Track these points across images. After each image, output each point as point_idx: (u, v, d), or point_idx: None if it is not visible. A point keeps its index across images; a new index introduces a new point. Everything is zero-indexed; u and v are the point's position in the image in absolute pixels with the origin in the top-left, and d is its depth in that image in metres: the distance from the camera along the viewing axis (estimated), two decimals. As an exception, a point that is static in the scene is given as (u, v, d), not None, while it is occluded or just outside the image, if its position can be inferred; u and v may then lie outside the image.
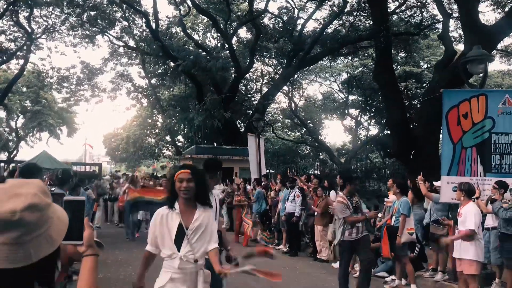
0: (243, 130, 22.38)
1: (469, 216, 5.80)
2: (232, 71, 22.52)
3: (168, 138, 33.12)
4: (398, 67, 22.56)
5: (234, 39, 23.64)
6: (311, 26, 44.54)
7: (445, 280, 7.49)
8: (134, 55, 26.34)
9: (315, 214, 9.97)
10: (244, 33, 25.59)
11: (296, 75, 26.06)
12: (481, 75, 8.32)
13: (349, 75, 26.56)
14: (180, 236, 3.08)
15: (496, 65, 34.66)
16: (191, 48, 22.00)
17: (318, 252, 9.94)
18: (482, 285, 6.86)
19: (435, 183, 7.85)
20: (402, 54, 23.74)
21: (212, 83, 21.56)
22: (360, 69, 25.11)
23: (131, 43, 24.76)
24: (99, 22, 22.44)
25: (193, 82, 21.56)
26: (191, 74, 20.02)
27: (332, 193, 10.70)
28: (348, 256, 6.61)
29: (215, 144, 24.51)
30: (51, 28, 22.79)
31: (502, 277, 6.81)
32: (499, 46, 20.17)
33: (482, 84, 7.91)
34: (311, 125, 31.16)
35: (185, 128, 29.20)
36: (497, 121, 7.40)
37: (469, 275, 5.94)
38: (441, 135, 8.14)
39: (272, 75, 27.76)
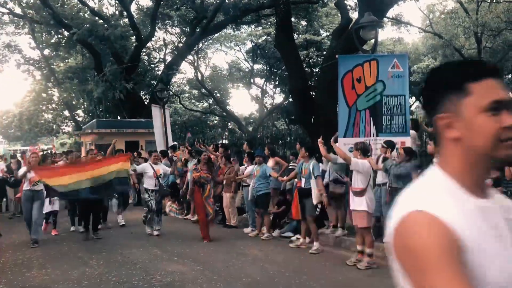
0: (147, 101, 21.69)
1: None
2: (133, 40, 21.53)
3: (66, 113, 31.13)
4: (299, 35, 23.10)
5: (134, 6, 22.53)
6: (214, -6, 43.81)
7: (344, 235, 8.01)
8: (22, 23, 24.04)
9: (223, 182, 10.04)
10: (144, -1, 24.52)
11: (200, 44, 25.66)
12: (373, 40, 8.77)
13: (253, 44, 26.71)
14: None
15: (389, 33, 37.02)
16: (86, 16, 20.55)
17: (227, 220, 10.10)
18: (377, 236, 7.44)
19: (333, 145, 8.23)
20: (303, 23, 24.30)
21: (111, 53, 20.45)
22: (263, 38, 25.31)
23: (17, 10, 22.53)
24: (-23, -14, 20.07)
25: (91, 52, 20.27)
26: (87, 43, 18.80)
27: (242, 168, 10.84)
28: None
29: (118, 117, 23.50)
30: None
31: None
32: (391, 15, 21.48)
33: (374, 49, 8.36)
34: (218, 95, 31.08)
35: (84, 101, 27.62)
36: (387, 84, 7.90)
37: (363, 228, 6.42)
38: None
39: (176, 44, 27.05)
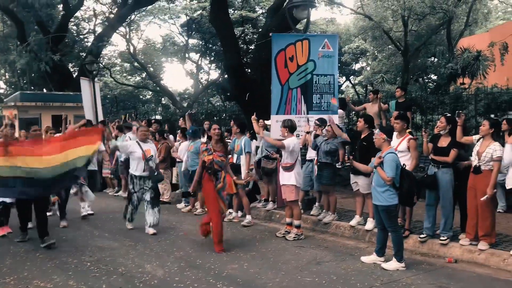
0: (76, 74, 20.72)
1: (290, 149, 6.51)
2: (60, 8, 20.36)
3: (-15, 84, 29.08)
4: (235, 11, 22.96)
5: (60, -27, 21.18)
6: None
7: (275, 209, 8.32)
8: None
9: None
10: (71, -34, 23.05)
11: (133, 16, 24.74)
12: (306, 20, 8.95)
13: (188, 18, 26.18)
14: None
15: (322, 13, 37.70)
16: (7, -20, 19.10)
17: (161, 195, 10.06)
18: (305, 209, 7.81)
19: (266, 122, 8.44)
20: (239, -1, 24.15)
21: (36, 22, 19.22)
22: (199, 12, 24.88)
23: None
24: None
25: (13, 19, 18.92)
26: (9, 10, 17.53)
27: (171, 137, 10.80)
28: None
29: (44, 90, 22.32)
30: None
31: (321, 201, 7.81)
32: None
33: (306, 29, 8.56)
34: (151, 69, 30.29)
35: (6, 72, 25.86)
36: (318, 63, 8.16)
37: (291, 201, 6.72)
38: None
39: (107, 14, 25.86)
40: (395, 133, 6.24)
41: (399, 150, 6.06)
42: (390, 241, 5.51)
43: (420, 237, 6.04)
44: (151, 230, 7.11)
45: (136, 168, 7.18)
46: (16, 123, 16.90)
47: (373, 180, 5.56)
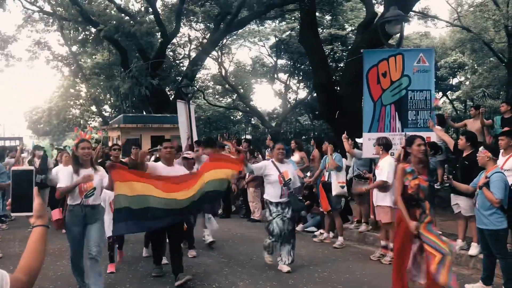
0: (172, 97, 21.94)
1: (384, 168, 6.22)
2: (158, 36, 21.80)
3: (93, 108, 31.75)
4: (324, 30, 22.94)
5: (159, 3, 22.77)
6: (238, -11, 43.70)
7: (368, 230, 8.01)
8: (51, 21, 24.61)
9: (246, 176, 10.14)
10: (169, -4, 24.71)
11: (224, 40, 25.75)
12: (398, 35, 8.69)
13: (277, 39, 26.66)
14: None
15: (415, 27, 36.40)
16: (113, 12, 20.89)
17: (252, 213, 10.20)
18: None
19: (358, 140, 8.23)
20: (328, 17, 24.12)
21: (137, 49, 20.76)
22: (287, 33, 25.25)
23: (47, 8, 23.08)
24: (8, -16, 20.65)
25: (117, 48, 20.64)
26: (114, 40, 19.12)
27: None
28: None
29: (144, 112, 23.88)
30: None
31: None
32: (417, 9, 21.12)
33: (399, 43, 8.28)
34: (242, 90, 31.16)
35: (111, 97, 28.08)
36: (413, 78, 7.82)
37: (386, 223, 6.41)
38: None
39: (200, 40, 27.23)
40: (501, 151, 5.75)
41: (506, 168, 5.56)
42: (498, 268, 5.03)
43: (534, 266, 5.44)
44: (284, 268, 6.06)
45: (272, 193, 6.12)
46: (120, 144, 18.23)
47: (477, 202, 5.14)
